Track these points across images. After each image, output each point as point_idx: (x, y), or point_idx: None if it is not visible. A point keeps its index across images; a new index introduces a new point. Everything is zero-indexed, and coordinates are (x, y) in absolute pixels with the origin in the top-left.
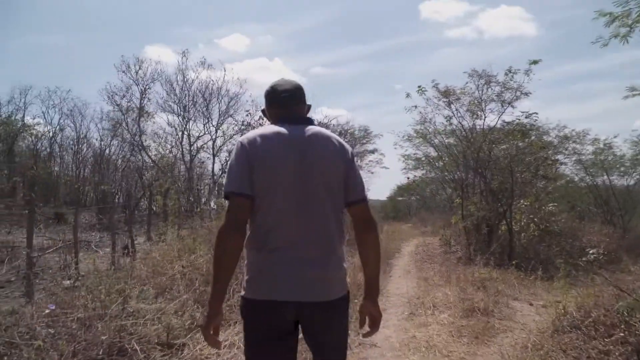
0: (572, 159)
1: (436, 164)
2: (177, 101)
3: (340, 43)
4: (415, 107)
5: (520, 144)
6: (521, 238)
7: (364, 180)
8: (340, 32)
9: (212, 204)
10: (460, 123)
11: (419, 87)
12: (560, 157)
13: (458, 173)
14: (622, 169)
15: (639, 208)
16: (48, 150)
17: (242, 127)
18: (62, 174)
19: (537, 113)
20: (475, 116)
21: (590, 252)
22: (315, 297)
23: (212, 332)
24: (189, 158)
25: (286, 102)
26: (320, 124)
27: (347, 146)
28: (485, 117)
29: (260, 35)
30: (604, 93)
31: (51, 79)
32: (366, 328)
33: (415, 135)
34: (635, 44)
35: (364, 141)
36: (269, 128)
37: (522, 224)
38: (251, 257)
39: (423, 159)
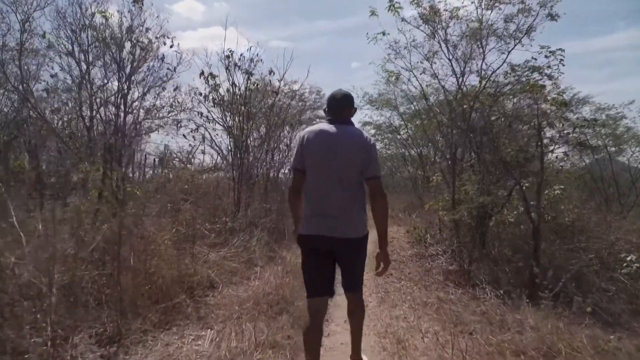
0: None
1: (398, 135)
2: (71, 39)
3: (298, 19)
4: (384, 34)
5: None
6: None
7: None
8: (300, 7)
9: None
10: (451, 62)
11: (390, 2)
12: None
13: (439, 138)
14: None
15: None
16: None
17: (163, 81)
18: None
19: (563, 50)
20: (469, 58)
21: (628, 258)
22: (341, 235)
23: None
24: (88, 113)
25: (334, 109)
26: None
27: (369, 141)
28: (484, 58)
29: (216, 2)
30: None
31: None
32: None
33: (380, 91)
34: None
35: (316, 106)
36: (318, 126)
37: (520, 213)
38: (305, 210)
39: (384, 126)
